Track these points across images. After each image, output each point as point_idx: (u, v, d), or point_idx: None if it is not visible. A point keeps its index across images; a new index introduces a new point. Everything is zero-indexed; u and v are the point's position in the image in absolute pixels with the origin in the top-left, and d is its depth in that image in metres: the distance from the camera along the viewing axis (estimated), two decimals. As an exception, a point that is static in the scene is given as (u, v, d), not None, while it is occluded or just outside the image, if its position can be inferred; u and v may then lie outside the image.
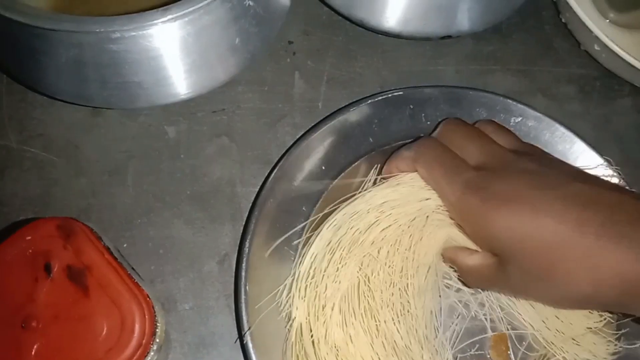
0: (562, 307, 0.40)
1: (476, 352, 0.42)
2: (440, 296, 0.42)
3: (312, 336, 0.38)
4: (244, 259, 0.41)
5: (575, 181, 0.36)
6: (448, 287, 0.43)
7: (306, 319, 0.39)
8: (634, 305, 0.34)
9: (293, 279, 0.40)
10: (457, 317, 0.42)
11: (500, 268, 0.37)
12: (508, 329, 0.43)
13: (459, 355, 0.42)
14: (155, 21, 0.37)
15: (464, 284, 0.42)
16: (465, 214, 0.37)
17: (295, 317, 0.39)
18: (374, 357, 0.38)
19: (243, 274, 0.40)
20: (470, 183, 0.37)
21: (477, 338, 0.42)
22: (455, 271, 0.42)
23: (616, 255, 0.32)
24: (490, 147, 0.39)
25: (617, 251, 0.32)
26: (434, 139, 0.42)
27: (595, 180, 0.37)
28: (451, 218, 0.40)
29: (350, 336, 0.38)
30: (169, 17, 0.37)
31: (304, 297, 0.39)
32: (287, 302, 0.40)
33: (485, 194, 0.36)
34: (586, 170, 0.39)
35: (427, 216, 0.40)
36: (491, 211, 0.35)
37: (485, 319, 0.42)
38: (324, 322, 0.38)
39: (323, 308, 0.38)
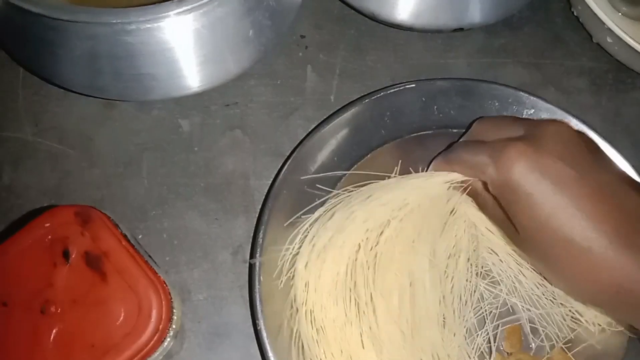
0: (565, 291, 0.40)
1: (489, 344, 0.42)
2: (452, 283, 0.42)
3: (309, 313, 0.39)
4: (258, 250, 0.41)
5: (607, 172, 0.35)
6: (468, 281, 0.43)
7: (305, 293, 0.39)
8: (624, 313, 0.35)
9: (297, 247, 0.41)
10: (472, 307, 0.42)
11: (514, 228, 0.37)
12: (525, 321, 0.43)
13: (471, 346, 0.42)
14: (170, 13, 0.37)
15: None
16: (494, 181, 0.36)
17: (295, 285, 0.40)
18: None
19: (257, 264, 0.40)
20: (497, 146, 0.36)
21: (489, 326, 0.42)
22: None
23: (619, 259, 0.32)
24: (526, 121, 0.38)
25: (622, 255, 0.32)
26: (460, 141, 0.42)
27: (624, 177, 0.36)
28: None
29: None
30: (184, 8, 0.37)
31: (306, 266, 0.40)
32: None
33: (513, 153, 0.35)
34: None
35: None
36: (515, 171, 0.34)
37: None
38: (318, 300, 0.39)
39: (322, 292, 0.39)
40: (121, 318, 0.31)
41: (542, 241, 0.35)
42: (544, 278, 0.42)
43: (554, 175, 0.34)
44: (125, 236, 0.33)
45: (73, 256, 0.32)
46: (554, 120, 0.37)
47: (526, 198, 0.34)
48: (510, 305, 0.43)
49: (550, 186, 0.34)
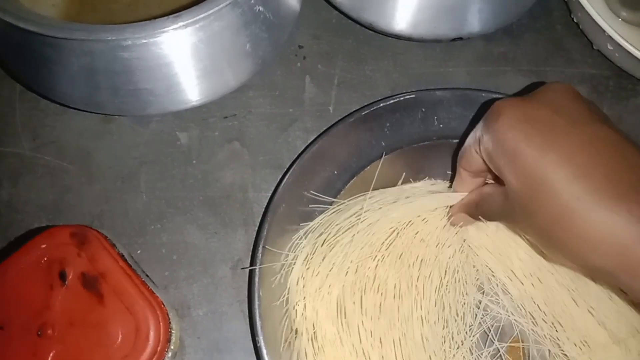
0: (553, 256, 0.35)
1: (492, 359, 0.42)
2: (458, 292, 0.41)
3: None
4: (257, 264, 0.40)
5: (605, 126, 0.31)
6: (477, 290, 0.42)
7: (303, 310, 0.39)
8: (623, 280, 0.30)
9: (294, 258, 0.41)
10: (475, 318, 0.42)
11: (506, 197, 0.34)
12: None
13: (474, 356, 0.41)
14: (166, 28, 0.37)
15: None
16: (483, 142, 0.34)
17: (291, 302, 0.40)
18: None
19: (256, 279, 0.40)
20: (485, 119, 0.34)
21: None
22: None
23: (613, 219, 0.29)
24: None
25: (615, 215, 0.29)
26: None
27: (624, 134, 0.32)
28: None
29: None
30: (180, 24, 0.37)
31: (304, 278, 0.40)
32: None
33: (502, 105, 0.32)
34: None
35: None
36: (501, 122, 0.32)
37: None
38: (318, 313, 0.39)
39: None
40: (119, 340, 0.31)
41: (533, 202, 0.31)
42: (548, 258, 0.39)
43: (543, 124, 0.31)
44: (122, 256, 0.33)
45: (70, 278, 0.32)
46: (557, 82, 0.35)
47: (514, 151, 0.31)
48: (513, 321, 0.42)
49: (539, 137, 0.31)
